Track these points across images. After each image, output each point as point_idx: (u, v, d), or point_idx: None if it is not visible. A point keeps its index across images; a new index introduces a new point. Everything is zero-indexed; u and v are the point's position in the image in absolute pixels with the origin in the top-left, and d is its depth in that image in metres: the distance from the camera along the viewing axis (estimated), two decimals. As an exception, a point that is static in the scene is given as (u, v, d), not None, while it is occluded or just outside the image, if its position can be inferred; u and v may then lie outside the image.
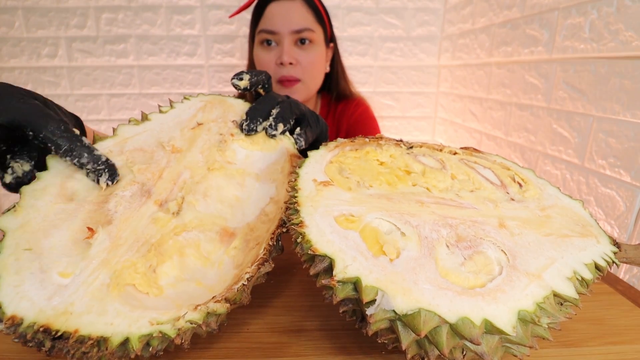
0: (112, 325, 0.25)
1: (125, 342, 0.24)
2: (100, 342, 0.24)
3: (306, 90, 0.91)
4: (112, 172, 0.33)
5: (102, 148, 0.35)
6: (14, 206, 0.29)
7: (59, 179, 0.32)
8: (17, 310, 0.25)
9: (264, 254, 0.31)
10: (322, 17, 0.91)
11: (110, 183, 0.33)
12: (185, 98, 0.43)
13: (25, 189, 0.30)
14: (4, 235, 0.28)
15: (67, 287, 0.27)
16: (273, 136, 0.42)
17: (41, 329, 0.24)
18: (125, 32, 1.41)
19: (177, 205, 0.34)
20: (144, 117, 0.40)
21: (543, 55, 0.90)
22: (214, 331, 0.28)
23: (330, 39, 0.96)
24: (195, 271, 0.32)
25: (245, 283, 0.29)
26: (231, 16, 0.94)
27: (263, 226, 0.35)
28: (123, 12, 1.39)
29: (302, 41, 0.86)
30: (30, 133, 0.31)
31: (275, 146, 0.42)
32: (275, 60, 0.86)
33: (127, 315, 0.26)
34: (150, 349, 0.25)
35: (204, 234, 0.34)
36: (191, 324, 0.26)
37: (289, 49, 0.85)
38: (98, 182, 0.33)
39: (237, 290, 0.28)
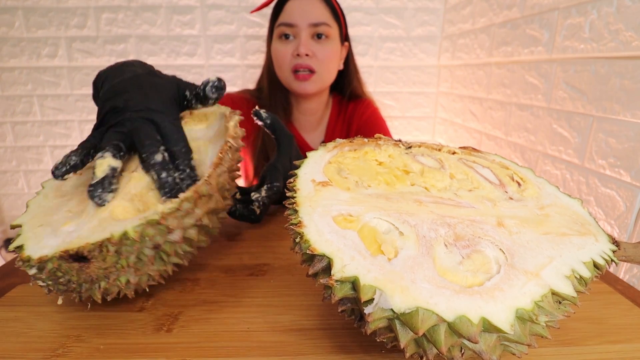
0: (110, 232, 0.32)
1: (125, 235, 0.31)
2: (105, 242, 0.31)
3: (320, 82, 0.93)
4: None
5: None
6: (25, 211, 0.37)
7: (55, 185, 0.40)
8: (42, 254, 0.31)
9: (217, 159, 0.39)
10: (338, 15, 0.94)
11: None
12: None
13: (30, 200, 0.38)
14: (20, 228, 0.35)
15: (74, 231, 0.33)
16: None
17: (62, 254, 0.31)
18: (125, 32, 1.41)
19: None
20: None
21: (543, 55, 0.90)
22: (206, 227, 0.38)
23: (345, 37, 0.99)
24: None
25: (207, 178, 0.37)
26: (252, 12, 0.98)
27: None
28: (123, 12, 1.39)
29: (318, 36, 0.90)
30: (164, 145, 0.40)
31: (215, 116, 0.48)
32: (292, 52, 0.89)
33: (122, 223, 0.33)
34: (148, 239, 0.33)
35: None
36: (170, 209, 0.33)
37: (306, 41, 0.88)
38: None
39: (201, 184, 0.36)
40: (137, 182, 0.38)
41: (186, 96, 0.43)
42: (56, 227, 0.34)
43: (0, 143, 1.52)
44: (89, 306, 0.37)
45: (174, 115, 0.41)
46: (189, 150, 0.40)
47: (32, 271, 0.31)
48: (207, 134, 0.46)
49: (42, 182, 0.40)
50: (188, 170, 0.39)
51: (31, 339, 0.32)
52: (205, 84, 0.42)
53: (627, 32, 0.67)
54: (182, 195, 0.35)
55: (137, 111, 0.38)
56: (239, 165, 0.45)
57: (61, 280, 0.32)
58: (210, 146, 0.45)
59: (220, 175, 0.40)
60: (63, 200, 0.38)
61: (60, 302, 0.34)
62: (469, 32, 1.27)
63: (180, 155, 0.38)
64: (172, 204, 0.34)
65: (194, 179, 0.39)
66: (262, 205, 0.51)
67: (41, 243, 0.32)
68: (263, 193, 0.52)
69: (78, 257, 0.31)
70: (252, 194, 0.52)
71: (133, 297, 0.37)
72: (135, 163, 0.40)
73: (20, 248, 0.32)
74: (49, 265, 0.31)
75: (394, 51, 1.51)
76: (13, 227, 0.35)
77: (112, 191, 0.36)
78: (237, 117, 0.45)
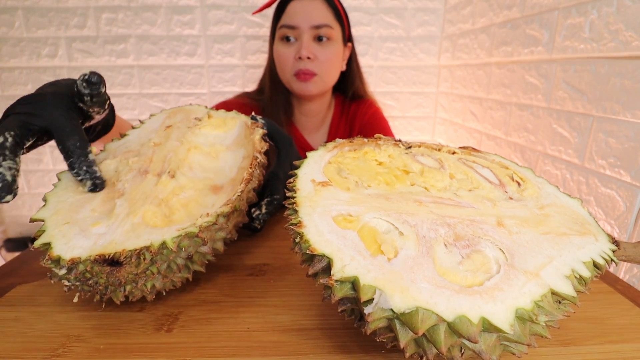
0: (148, 240, 0.32)
1: (163, 245, 0.31)
2: (143, 251, 0.31)
3: (322, 84, 0.93)
4: (98, 184, 0.39)
5: (97, 159, 0.42)
6: (43, 205, 0.36)
7: (73, 178, 0.39)
8: (73, 255, 0.31)
9: (248, 175, 0.40)
10: (341, 17, 0.93)
11: (92, 190, 0.39)
12: (151, 115, 0.50)
13: (49, 193, 0.37)
14: (43, 222, 0.34)
15: (105, 233, 0.33)
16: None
17: (97, 258, 0.30)
18: (125, 32, 1.41)
19: (172, 173, 0.41)
20: (123, 135, 0.47)
21: (543, 55, 0.90)
22: (228, 238, 0.39)
23: (348, 38, 0.99)
24: (198, 213, 0.39)
25: (240, 194, 0.38)
26: (254, 13, 0.99)
27: (243, 173, 0.42)
28: (123, 12, 1.39)
29: (320, 38, 0.89)
30: (55, 139, 0.37)
31: (234, 123, 0.48)
32: (294, 54, 0.89)
33: (159, 232, 0.33)
34: (183, 250, 0.33)
35: (199, 191, 0.41)
36: (207, 222, 0.34)
37: (307, 44, 0.88)
38: (92, 188, 0.39)
39: (235, 199, 0.37)
40: (164, 187, 0.39)
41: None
42: (85, 227, 0.34)
43: (0, 143, 1.51)
44: (103, 306, 0.37)
45: (66, 107, 0.37)
46: (84, 145, 0.37)
47: (62, 271, 0.31)
48: (224, 141, 0.47)
49: (58, 173, 0.40)
50: (85, 168, 0.37)
51: (31, 339, 0.32)
52: (79, 77, 0.38)
53: (627, 32, 0.67)
54: (219, 210, 0.35)
55: (16, 106, 0.36)
56: (262, 179, 0.45)
57: (89, 282, 0.32)
58: (228, 154, 0.45)
59: (249, 191, 0.41)
60: (85, 196, 0.38)
61: (76, 299, 0.34)
62: (469, 32, 1.27)
63: (73, 150, 0.36)
64: (209, 217, 0.34)
65: (94, 178, 0.38)
66: (263, 223, 0.51)
67: (71, 243, 0.32)
68: (263, 209, 0.52)
69: (112, 261, 0.31)
70: (253, 210, 0.51)
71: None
72: (160, 165, 0.41)
73: (47, 245, 0.32)
74: (81, 267, 0.31)
75: (394, 51, 1.51)
76: (33, 220, 0.34)
77: (10, 192, 0.33)
78: (261, 130, 0.46)
